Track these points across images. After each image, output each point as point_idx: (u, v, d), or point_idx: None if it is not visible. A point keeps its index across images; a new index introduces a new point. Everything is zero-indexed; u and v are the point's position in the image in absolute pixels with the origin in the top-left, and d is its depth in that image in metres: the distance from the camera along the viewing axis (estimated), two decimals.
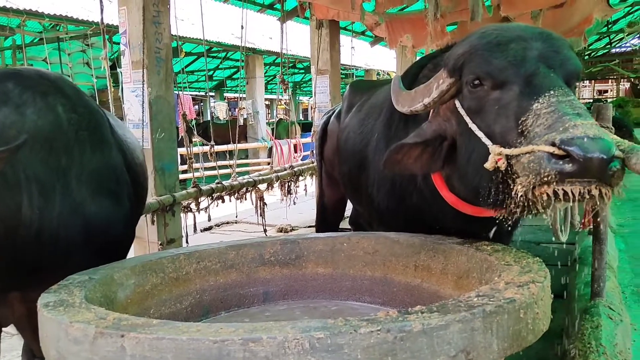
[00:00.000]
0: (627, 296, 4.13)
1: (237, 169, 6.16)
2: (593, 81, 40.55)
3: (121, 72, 4.66)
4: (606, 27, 18.56)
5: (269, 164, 11.77)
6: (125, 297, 1.94)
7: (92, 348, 1.33)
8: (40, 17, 10.62)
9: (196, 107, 24.84)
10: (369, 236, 2.40)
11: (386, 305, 2.25)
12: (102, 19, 4.60)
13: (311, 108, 10.71)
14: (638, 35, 24.51)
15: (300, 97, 32.94)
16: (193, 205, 5.07)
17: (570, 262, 4.52)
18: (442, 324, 1.27)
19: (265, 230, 6.58)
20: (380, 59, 20.45)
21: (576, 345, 2.70)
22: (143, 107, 4.34)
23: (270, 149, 15.36)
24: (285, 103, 22.16)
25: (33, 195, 1.97)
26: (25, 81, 2.14)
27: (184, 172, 8.26)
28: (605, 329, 2.79)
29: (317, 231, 4.71)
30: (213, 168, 6.25)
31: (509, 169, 1.64)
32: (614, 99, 32.86)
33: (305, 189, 7.53)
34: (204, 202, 5.22)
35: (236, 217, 7.77)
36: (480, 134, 1.79)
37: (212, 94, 24.97)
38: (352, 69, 16.53)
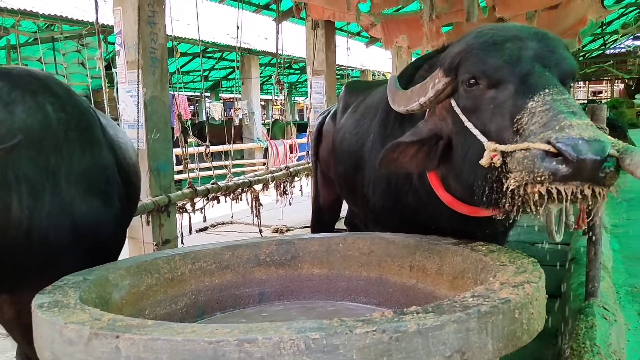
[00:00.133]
0: (621, 296, 4.14)
1: (233, 170, 6.16)
2: (587, 82, 40.81)
3: (116, 73, 4.65)
4: (600, 29, 18.65)
5: (264, 164, 11.74)
6: (120, 298, 1.93)
7: (87, 349, 1.32)
8: (34, 17, 10.55)
9: (191, 107, 24.80)
10: (364, 237, 2.40)
11: (382, 305, 2.25)
12: (97, 19, 4.58)
13: (307, 109, 10.69)
14: (632, 37, 24.65)
15: (296, 98, 32.95)
16: (188, 206, 5.06)
17: (565, 263, 4.54)
18: (438, 325, 1.28)
19: (260, 231, 6.56)
20: (375, 60, 20.45)
21: (570, 345, 2.71)
22: (138, 108, 4.32)
23: (266, 150, 15.33)
24: (280, 103, 22.10)
25: (22, 195, 1.95)
26: (15, 80, 2.11)
27: (179, 172, 8.23)
28: (599, 329, 2.81)
29: (312, 232, 4.71)
30: (208, 168, 6.24)
31: (504, 166, 1.65)
32: (608, 100, 33.07)
33: (301, 190, 7.52)
34: (200, 202, 5.22)
35: (232, 217, 7.75)
36: (476, 131, 1.80)
37: (208, 94, 24.92)
38: (348, 69, 16.52)
